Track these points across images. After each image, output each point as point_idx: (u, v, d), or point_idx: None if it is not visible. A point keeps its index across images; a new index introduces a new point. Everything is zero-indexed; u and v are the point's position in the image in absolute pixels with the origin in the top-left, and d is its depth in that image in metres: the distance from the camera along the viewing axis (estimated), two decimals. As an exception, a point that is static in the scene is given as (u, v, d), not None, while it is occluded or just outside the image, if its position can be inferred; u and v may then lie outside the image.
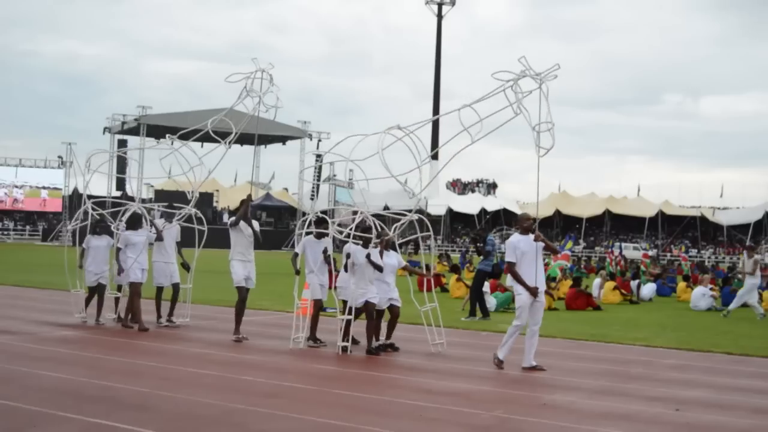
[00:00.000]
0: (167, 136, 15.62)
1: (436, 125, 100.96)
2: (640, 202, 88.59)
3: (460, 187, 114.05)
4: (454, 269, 27.54)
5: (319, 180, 69.03)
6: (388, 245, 13.14)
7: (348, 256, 12.66)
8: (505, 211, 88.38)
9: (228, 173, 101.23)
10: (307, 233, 13.48)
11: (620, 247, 69.94)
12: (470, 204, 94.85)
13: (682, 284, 28.10)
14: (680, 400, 9.76)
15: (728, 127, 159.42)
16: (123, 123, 65.69)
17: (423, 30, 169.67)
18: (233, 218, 13.79)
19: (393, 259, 13.13)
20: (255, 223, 13.90)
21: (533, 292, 11.36)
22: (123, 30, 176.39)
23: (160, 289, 15.05)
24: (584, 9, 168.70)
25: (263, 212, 71.34)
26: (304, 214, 15.36)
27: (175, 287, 15.03)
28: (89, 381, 9.69)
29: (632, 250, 70.21)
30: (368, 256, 12.48)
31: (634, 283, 26.98)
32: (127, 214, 15.36)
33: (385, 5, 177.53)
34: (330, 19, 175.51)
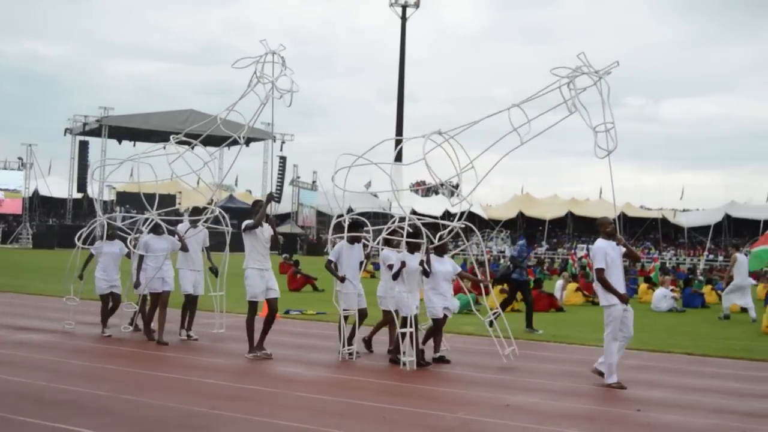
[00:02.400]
0: (171, 137, 14.64)
1: (399, 128, 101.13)
2: (602, 204, 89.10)
3: (424, 189, 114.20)
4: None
5: (282, 182, 69.03)
6: (442, 251, 12.58)
7: (394, 264, 12.01)
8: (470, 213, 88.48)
9: (191, 174, 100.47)
10: (340, 236, 12.87)
11: (586, 249, 70.51)
12: (434, 206, 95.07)
13: (643, 285, 28.36)
14: (641, 401, 9.84)
15: (689, 130, 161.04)
16: (84, 124, 65.03)
17: (388, 32, 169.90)
18: (249, 221, 12.16)
19: (447, 266, 12.52)
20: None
21: (624, 299, 10.80)
22: (86, 30, 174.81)
23: (188, 298, 13.88)
24: (548, 12, 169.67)
25: (227, 214, 70.92)
26: (339, 215, 13.90)
27: (194, 300, 13.90)
28: (49, 385, 9.57)
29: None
30: (422, 262, 11.90)
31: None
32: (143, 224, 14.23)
33: (350, 7, 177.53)
34: (294, 20, 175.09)
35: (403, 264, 11.73)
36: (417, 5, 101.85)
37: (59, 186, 74.36)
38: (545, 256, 70.28)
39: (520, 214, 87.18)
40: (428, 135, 12.24)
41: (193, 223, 14.15)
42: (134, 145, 73.91)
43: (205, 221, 14.16)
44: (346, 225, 12.75)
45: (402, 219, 12.78)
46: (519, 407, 9.36)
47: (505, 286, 23.05)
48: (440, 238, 12.71)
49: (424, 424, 8.36)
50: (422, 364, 11.72)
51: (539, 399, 9.85)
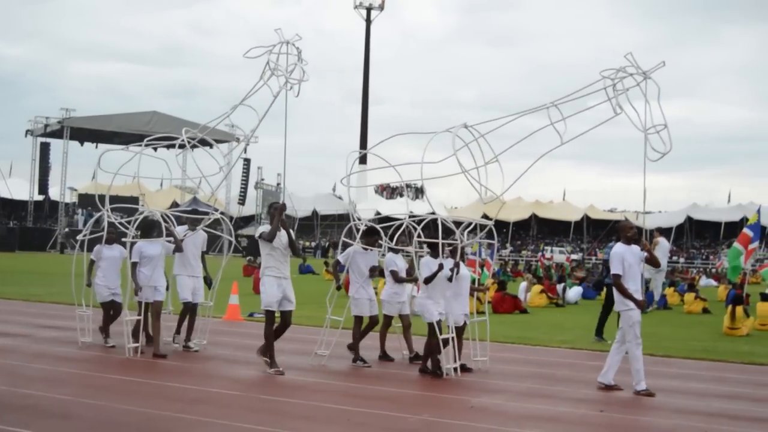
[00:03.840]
0: (183, 130, 13.84)
1: (365, 128, 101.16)
2: (565, 207, 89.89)
3: (389, 191, 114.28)
4: (383, 274, 27.53)
5: (246, 184, 68.79)
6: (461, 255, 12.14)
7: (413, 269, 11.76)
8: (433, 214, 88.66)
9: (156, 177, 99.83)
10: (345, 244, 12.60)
11: (550, 251, 71.08)
12: (399, 208, 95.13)
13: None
14: (604, 402, 9.92)
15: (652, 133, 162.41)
16: (46, 126, 64.48)
17: (353, 34, 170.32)
18: (265, 230, 11.26)
19: (466, 271, 12.12)
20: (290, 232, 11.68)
21: (641, 306, 10.56)
22: (47, 31, 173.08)
23: (187, 307, 13.07)
24: (513, 16, 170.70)
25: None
26: (352, 218, 13.19)
27: (194, 308, 13.09)
28: (9, 389, 9.44)
29: (558, 254, 71.24)
30: (452, 267, 11.47)
31: (560, 287, 27.37)
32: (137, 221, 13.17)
33: (316, 9, 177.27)
34: (260, 22, 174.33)
35: (441, 267, 11.28)
36: (381, 8, 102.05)
37: (20, 188, 73.64)
38: (509, 258, 70.64)
39: (484, 216, 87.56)
40: (452, 129, 11.69)
41: (192, 226, 13.32)
42: (96, 147, 73.39)
43: (205, 224, 13.40)
44: (353, 229, 12.53)
45: (430, 221, 12.40)
46: (483, 408, 9.39)
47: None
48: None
49: (389, 426, 8.37)
50: (427, 370, 11.49)
51: (503, 400, 9.89)
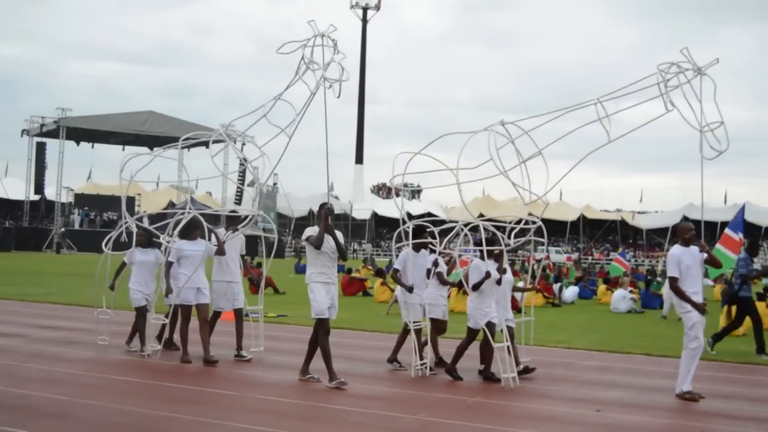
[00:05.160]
0: (219, 125, 12.97)
1: (361, 127, 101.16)
2: (562, 207, 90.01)
3: (385, 191, 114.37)
4: (379, 273, 27.57)
5: (243, 184, 68.66)
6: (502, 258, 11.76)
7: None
8: (429, 214, 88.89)
9: (150, 177, 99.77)
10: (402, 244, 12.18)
11: (546, 251, 71.03)
12: (395, 208, 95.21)
13: (602, 287, 28.60)
14: (601, 401, 9.91)
15: (647, 133, 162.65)
16: (42, 125, 64.34)
17: (350, 34, 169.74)
18: (312, 234, 10.57)
19: (509, 274, 11.87)
20: (339, 234, 10.91)
21: (701, 309, 10.34)
22: (43, 31, 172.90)
23: (217, 314, 12.48)
24: (508, 16, 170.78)
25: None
26: (404, 221, 12.20)
27: (238, 313, 12.45)
28: (5, 389, 9.42)
29: (554, 254, 71.39)
30: (500, 270, 11.30)
31: (556, 286, 27.38)
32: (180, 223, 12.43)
33: (312, 9, 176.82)
34: (256, 22, 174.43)
35: (488, 274, 11.00)
36: (377, 7, 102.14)
37: (16, 188, 73.48)
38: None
39: (481, 216, 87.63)
40: (490, 127, 11.42)
41: (231, 227, 12.70)
42: (92, 147, 73.40)
43: (244, 225, 12.90)
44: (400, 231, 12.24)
45: (469, 224, 12.12)
46: (480, 408, 9.39)
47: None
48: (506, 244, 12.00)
49: (386, 426, 8.36)
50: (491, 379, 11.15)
51: (499, 400, 9.89)
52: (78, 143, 69.88)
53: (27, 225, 65.88)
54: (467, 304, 11.41)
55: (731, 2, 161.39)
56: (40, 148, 63.61)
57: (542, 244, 13.00)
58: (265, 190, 72.87)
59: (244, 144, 14.20)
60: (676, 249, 10.56)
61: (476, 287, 11.05)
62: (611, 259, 59.93)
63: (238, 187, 68.69)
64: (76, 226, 63.72)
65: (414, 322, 11.65)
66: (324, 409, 9.06)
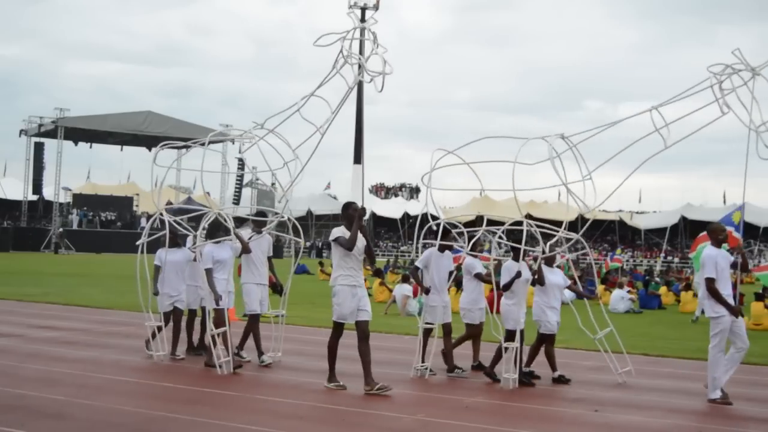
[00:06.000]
0: (253, 122, 12.57)
1: (359, 131, 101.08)
2: (560, 207, 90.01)
3: (383, 191, 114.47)
4: (377, 273, 27.58)
5: (241, 184, 68.70)
6: (551, 261, 11.70)
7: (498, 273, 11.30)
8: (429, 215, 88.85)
9: (149, 177, 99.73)
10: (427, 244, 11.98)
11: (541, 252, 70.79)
12: (393, 208, 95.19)
13: (600, 287, 28.60)
14: (599, 401, 9.92)
15: (646, 134, 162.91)
16: (40, 125, 64.27)
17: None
18: (342, 235, 10.20)
19: (558, 277, 11.64)
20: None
21: (735, 312, 10.13)
22: (41, 30, 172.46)
23: (255, 317, 12.03)
24: (508, 16, 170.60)
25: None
26: (433, 217, 12.15)
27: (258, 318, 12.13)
28: (3, 389, 9.42)
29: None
30: (534, 273, 11.19)
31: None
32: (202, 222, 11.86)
33: (312, 9, 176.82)
34: (256, 22, 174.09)
35: (519, 274, 10.94)
36: (376, 8, 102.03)
37: (14, 188, 73.36)
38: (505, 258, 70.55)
39: (479, 217, 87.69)
40: (551, 138, 11.34)
41: (258, 228, 12.29)
42: (90, 147, 73.31)
43: (270, 227, 12.53)
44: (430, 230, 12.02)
45: (518, 223, 11.88)
46: (478, 408, 9.40)
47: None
48: (551, 247, 11.91)
49: (384, 426, 8.36)
50: (525, 383, 10.93)
51: (497, 400, 9.90)
52: (76, 143, 69.74)
53: (25, 225, 65.79)
54: (501, 306, 11.24)
55: (730, 2, 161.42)
56: (38, 148, 63.53)
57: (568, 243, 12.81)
58: (282, 191, 72.90)
59: (242, 145, 13.97)
60: (712, 250, 10.36)
61: (506, 287, 10.94)
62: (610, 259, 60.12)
63: (236, 188, 68.75)
64: (75, 226, 63.58)
65: (426, 324, 11.54)
66: (322, 409, 9.06)
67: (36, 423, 7.90)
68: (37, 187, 64.31)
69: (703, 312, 21.66)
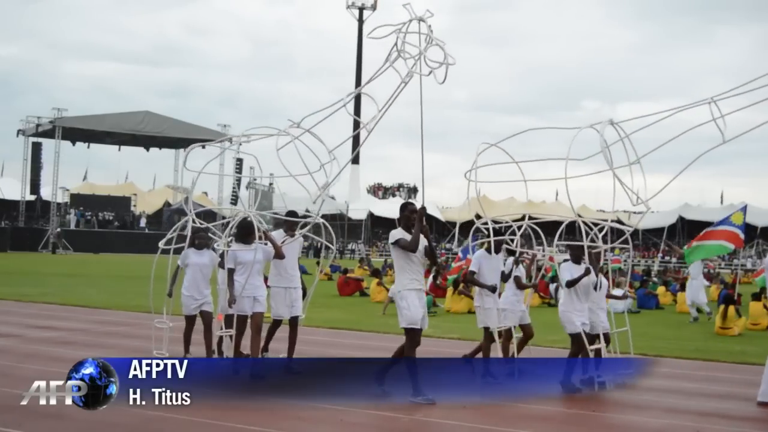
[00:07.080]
0: (289, 120, 11.96)
1: (358, 128, 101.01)
2: (558, 207, 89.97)
3: (382, 191, 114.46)
4: (375, 273, 27.57)
5: (239, 184, 68.62)
6: (595, 260, 11.15)
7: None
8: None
9: (146, 177, 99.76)
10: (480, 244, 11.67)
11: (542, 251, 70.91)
12: (391, 208, 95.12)
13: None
14: (597, 401, 9.91)
15: (644, 134, 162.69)
16: (37, 125, 64.18)
17: (347, 34, 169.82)
18: (403, 237, 9.78)
19: (604, 279, 11.35)
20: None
21: None
22: (39, 30, 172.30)
23: (277, 323, 11.71)
24: (506, 16, 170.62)
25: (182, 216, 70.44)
26: (478, 217, 12.86)
27: (293, 322, 11.62)
28: (1, 390, 9.43)
29: (557, 254, 71.22)
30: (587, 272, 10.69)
31: (552, 286, 27.38)
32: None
33: (309, 9, 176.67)
34: (253, 22, 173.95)
35: (588, 272, 10.61)
36: (374, 7, 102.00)
37: (12, 188, 73.27)
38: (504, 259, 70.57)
39: (477, 217, 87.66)
40: (603, 124, 10.96)
41: (290, 231, 11.80)
42: (88, 147, 73.21)
43: (302, 229, 12.08)
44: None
45: (572, 222, 11.58)
46: (476, 408, 9.39)
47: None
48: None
49: (382, 426, 8.37)
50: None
51: (497, 400, 9.88)
52: (74, 143, 69.63)
53: (23, 225, 65.70)
54: (559, 310, 11.00)
55: (729, 3, 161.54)
56: (36, 148, 63.44)
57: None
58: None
59: (241, 144, 13.91)
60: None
61: (571, 284, 10.61)
62: (607, 260, 60.21)
63: (234, 188, 68.69)
64: (72, 227, 63.54)
65: (485, 328, 11.35)
66: (320, 409, 9.05)
67: (34, 423, 7.90)
68: (35, 187, 64.22)
69: (700, 311, 21.81)
